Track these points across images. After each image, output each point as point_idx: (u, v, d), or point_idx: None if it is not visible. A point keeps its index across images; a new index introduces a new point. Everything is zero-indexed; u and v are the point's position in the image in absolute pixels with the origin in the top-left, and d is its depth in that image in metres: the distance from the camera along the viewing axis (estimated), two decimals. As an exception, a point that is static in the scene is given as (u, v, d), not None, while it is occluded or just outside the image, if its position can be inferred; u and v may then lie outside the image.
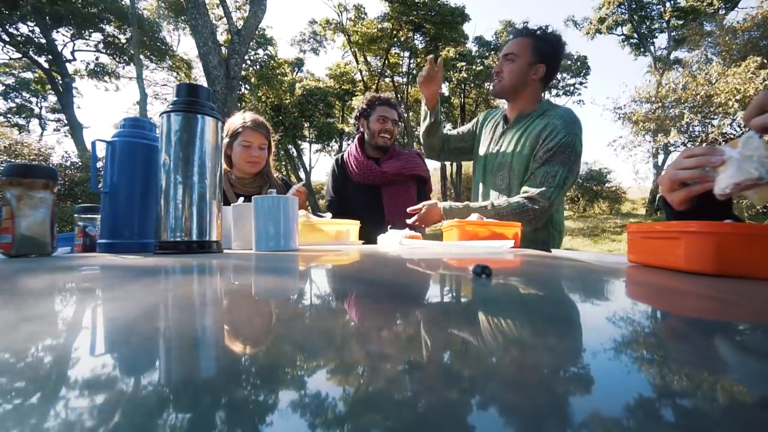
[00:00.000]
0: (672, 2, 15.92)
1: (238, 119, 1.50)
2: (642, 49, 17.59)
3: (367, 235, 1.30)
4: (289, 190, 1.42)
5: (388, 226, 1.17)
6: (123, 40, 13.46)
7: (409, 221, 1.34)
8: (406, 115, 17.20)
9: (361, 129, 1.79)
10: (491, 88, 1.43)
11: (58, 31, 12.50)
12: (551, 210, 1.27)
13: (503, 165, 1.38)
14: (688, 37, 11.71)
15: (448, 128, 1.75)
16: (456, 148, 1.64)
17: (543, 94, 1.42)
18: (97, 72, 14.45)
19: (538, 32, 1.34)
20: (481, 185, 1.49)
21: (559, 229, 1.43)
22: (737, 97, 8.59)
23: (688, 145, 10.80)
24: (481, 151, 1.51)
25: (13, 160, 7.52)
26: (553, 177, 1.24)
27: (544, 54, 1.32)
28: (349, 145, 1.91)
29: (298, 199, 1.46)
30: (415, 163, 1.78)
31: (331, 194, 1.83)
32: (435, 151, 1.66)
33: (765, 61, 8.75)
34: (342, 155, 1.86)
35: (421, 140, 1.67)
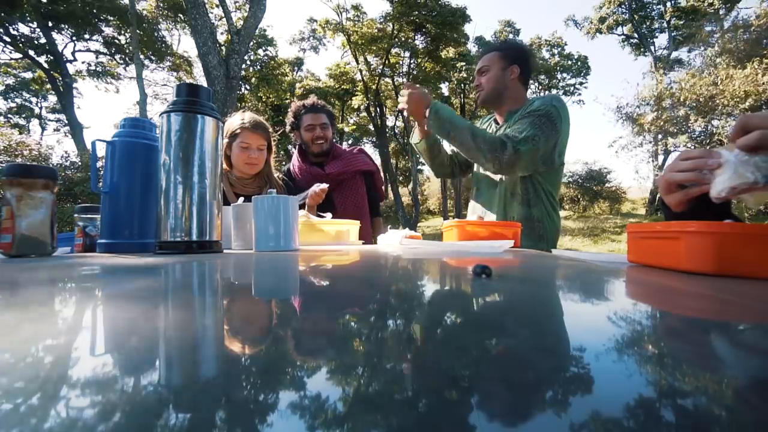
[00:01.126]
0: (672, 2, 15.92)
1: (236, 120, 1.49)
2: (642, 49, 17.59)
3: None
4: (310, 189, 1.44)
5: (389, 227, 1.17)
6: (123, 41, 13.46)
7: (403, 98, 1.36)
8: (405, 115, 17.15)
9: (298, 141, 1.83)
10: (477, 100, 1.50)
11: (59, 32, 12.51)
12: (517, 162, 1.25)
13: None
14: (694, 36, 11.59)
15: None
16: (465, 159, 1.63)
17: (526, 94, 1.48)
18: (98, 72, 14.45)
19: (502, 44, 1.48)
20: (480, 185, 1.52)
21: (554, 205, 1.41)
22: (749, 101, 8.49)
23: (690, 146, 10.78)
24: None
25: (13, 160, 7.52)
26: (519, 132, 1.26)
27: (513, 57, 1.42)
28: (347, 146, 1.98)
29: (317, 197, 1.49)
30: (358, 159, 1.81)
31: None
32: (446, 167, 1.64)
33: None
34: (288, 168, 1.89)
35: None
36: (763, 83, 8.33)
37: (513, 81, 1.43)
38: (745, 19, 10.42)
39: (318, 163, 1.80)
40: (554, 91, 20.64)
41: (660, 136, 10.71)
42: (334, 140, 1.90)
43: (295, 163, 1.84)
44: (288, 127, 1.84)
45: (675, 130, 10.26)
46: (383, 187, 1.94)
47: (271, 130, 1.57)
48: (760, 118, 0.46)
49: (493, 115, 1.56)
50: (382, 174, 2.02)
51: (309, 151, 1.79)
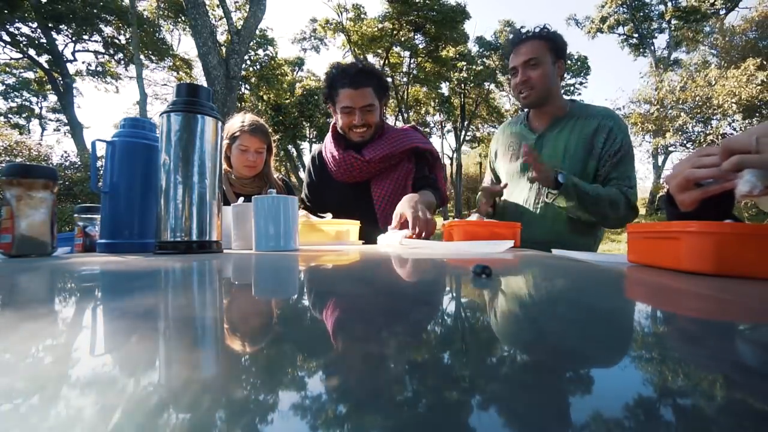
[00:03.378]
0: (673, 2, 15.93)
1: (236, 122, 1.49)
2: (642, 49, 17.61)
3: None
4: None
5: (389, 227, 1.15)
6: (123, 41, 13.48)
7: (525, 158, 1.10)
8: (405, 115, 17.14)
9: (333, 116, 1.40)
10: (522, 99, 1.29)
11: (59, 32, 12.53)
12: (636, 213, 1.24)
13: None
14: (685, 40, 11.77)
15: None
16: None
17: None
18: (98, 72, 14.47)
19: (545, 32, 1.26)
20: (520, 194, 1.35)
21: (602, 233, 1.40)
22: (734, 100, 8.64)
23: (687, 146, 10.80)
24: (510, 167, 1.38)
25: (13, 160, 7.52)
26: (628, 178, 1.21)
27: (559, 50, 1.26)
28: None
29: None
30: (408, 136, 1.39)
31: (306, 197, 1.53)
32: None
33: (765, 62, 8.73)
34: (319, 150, 1.50)
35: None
36: (755, 81, 8.43)
37: (558, 80, 1.27)
38: (739, 21, 10.55)
39: (355, 147, 1.37)
40: None
41: (659, 137, 10.78)
42: (384, 119, 1.41)
43: (327, 146, 1.42)
44: (323, 96, 1.42)
45: (667, 130, 10.34)
46: (444, 179, 1.46)
47: (270, 131, 1.57)
48: (739, 141, 0.46)
49: (516, 122, 1.40)
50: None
51: (345, 136, 1.38)
